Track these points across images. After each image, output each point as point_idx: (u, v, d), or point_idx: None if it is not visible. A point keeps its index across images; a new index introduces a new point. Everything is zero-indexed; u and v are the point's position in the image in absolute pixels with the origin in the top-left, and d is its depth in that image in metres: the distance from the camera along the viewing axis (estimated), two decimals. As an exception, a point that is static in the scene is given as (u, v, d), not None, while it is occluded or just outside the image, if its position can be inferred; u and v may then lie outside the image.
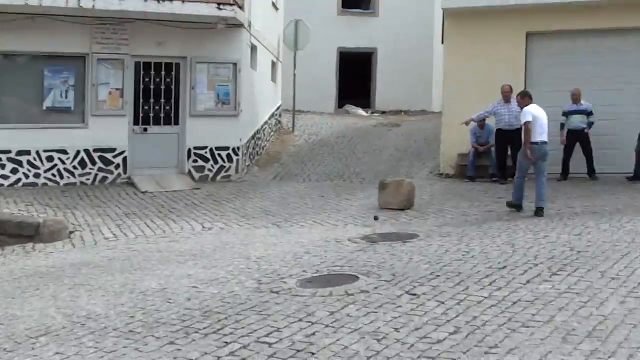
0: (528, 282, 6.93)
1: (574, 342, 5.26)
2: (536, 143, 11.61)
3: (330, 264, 8.19)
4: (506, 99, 15.68)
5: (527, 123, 11.59)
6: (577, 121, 15.81)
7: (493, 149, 16.21)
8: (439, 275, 7.34)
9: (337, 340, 5.50)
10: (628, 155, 15.63)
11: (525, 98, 12.21)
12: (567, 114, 15.89)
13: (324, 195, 14.80)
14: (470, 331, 5.60)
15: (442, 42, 18.19)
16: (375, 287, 6.97)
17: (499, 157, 15.98)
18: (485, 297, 6.47)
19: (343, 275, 7.61)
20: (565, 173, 15.87)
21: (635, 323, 5.62)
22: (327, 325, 5.86)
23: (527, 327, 5.64)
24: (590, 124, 15.84)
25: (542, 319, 5.81)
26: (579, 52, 16.97)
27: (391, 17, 29.18)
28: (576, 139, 15.81)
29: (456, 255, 8.32)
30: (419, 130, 22.57)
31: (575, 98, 15.90)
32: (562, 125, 15.89)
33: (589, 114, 15.87)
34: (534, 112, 11.71)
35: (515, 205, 12.06)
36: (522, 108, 12.05)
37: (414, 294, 6.63)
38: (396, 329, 5.70)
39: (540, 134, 11.68)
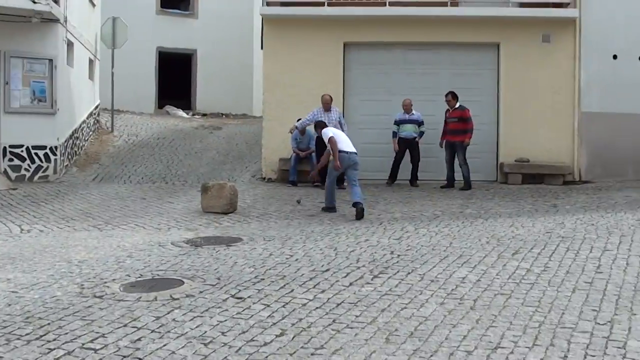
0: (351, 284, 7.11)
1: (397, 342, 5.44)
2: (345, 152, 12.34)
3: (154, 268, 8.09)
4: (326, 108, 15.84)
5: (330, 139, 12.48)
6: (409, 130, 16.46)
7: (314, 154, 16.50)
8: (263, 279, 7.41)
9: (164, 345, 5.44)
10: (442, 163, 16.47)
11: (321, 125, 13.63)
12: (398, 123, 16.47)
13: (145, 198, 14.58)
14: (296, 333, 5.68)
15: (262, 48, 18.34)
16: (201, 292, 6.95)
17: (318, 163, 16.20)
18: (310, 300, 6.59)
19: (167, 279, 7.53)
20: (393, 178, 16.53)
21: (454, 323, 5.88)
22: (153, 331, 5.78)
23: (351, 328, 5.78)
24: (421, 134, 16.54)
25: (366, 320, 5.99)
26: (395, 63, 17.67)
27: (210, 19, 29.11)
28: (407, 147, 16.45)
29: (280, 259, 8.42)
30: (241, 134, 22.65)
31: (407, 108, 16.48)
32: (395, 134, 16.46)
33: (420, 123, 16.53)
34: (333, 131, 12.94)
35: (329, 208, 12.72)
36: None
37: (240, 298, 6.69)
38: (223, 333, 5.70)
39: (347, 145, 12.49)
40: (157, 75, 28.86)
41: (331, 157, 12.62)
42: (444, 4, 17.26)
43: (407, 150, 16.57)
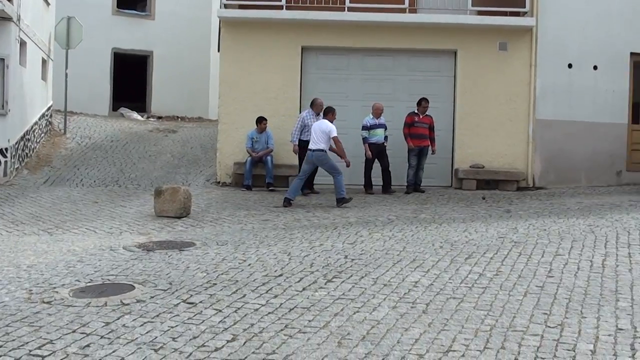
0: (304, 289, 7.09)
1: (349, 346, 5.43)
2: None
3: (105, 273, 7.98)
4: (318, 111, 15.66)
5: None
6: (380, 135, 16.28)
7: (270, 157, 16.43)
8: (215, 284, 7.35)
9: (113, 351, 5.37)
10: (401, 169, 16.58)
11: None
12: (369, 128, 16.28)
13: (97, 201, 14.38)
14: (247, 338, 5.64)
15: (219, 51, 18.24)
16: (152, 297, 6.87)
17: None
18: (263, 305, 6.55)
19: (118, 284, 7.43)
20: (370, 186, 16.27)
21: (406, 327, 5.89)
22: (102, 337, 5.70)
23: (304, 332, 5.76)
24: (386, 138, 16.47)
25: (318, 324, 5.96)
26: (353, 68, 17.70)
27: (167, 21, 28.88)
28: (378, 152, 16.29)
29: (233, 264, 8.36)
30: (196, 137, 22.52)
31: (378, 113, 16.38)
32: (365, 139, 16.23)
33: (385, 128, 16.49)
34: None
35: (287, 200, 13.82)
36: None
37: (192, 303, 6.62)
38: (174, 339, 5.65)
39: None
40: (112, 77, 28.56)
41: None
42: (403, 11, 17.31)
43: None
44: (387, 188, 16.20)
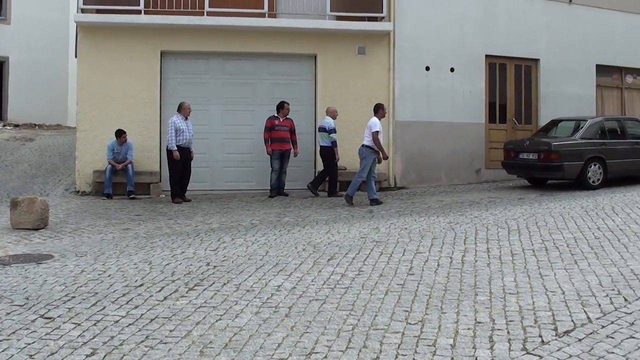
0: (165, 298, 6.97)
1: (212, 355, 5.38)
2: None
3: (-44, 289, 7.65)
4: (186, 114, 15.60)
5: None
6: (335, 138, 16.38)
7: (130, 165, 16.15)
8: (74, 297, 7.13)
9: (-36, 372, 5.16)
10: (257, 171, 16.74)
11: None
12: (332, 130, 16.35)
13: (-53, 214, 13.78)
14: (107, 352, 5.51)
15: (76, 56, 17.78)
16: (8, 313, 6.60)
17: (175, 175, 15.70)
18: (123, 316, 6.40)
19: (-29, 301, 7.14)
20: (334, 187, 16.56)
21: (269, 332, 5.87)
22: (-48, 356, 5.47)
23: (165, 343, 5.66)
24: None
25: (180, 334, 5.87)
26: (213, 73, 17.62)
27: (23, 25, 28.01)
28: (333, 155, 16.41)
29: (92, 275, 8.13)
30: (55, 146, 21.86)
31: (335, 116, 16.42)
32: (336, 143, 16.35)
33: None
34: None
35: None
36: None
37: (49, 318, 6.41)
38: (30, 356, 5.45)
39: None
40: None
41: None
42: (262, 15, 17.32)
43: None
44: (333, 190, 16.55)
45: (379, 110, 15.22)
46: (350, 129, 17.38)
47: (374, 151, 14.83)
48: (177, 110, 15.77)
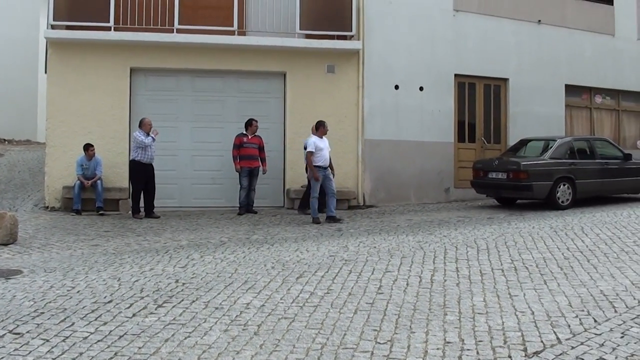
0: (134, 315, 6.95)
1: (180, 373, 5.39)
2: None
3: None
4: (147, 130, 15.68)
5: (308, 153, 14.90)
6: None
7: (100, 182, 16.11)
8: (43, 312, 7.10)
9: None
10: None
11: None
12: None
13: None
14: (76, 368, 5.51)
15: (46, 72, 17.72)
16: (-25, 328, 6.59)
17: (137, 191, 15.83)
18: (92, 333, 6.38)
19: (-64, 317, 7.07)
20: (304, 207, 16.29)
21: (238, 350, 5.86)
22: None
23: (134, 360, 5.68)
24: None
25: (149, 351, 5.86)
26: (182, 90, 17.64)
27: (-9, 40, 27.94)
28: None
29: (61, 291, 8.10)
30: (24, 161, 21.75)
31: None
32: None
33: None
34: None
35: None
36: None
37: (18, 333, 6.38)
38: (-5, 372, 5.45)
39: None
40: None
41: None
42: (232, 33, 17.36)
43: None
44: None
45: (319, 128, 15.30)
46: (319, 146, 17.45)
47: (319, 169, 14.92)
48: (139, 126, 15.83)
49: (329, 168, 15.19)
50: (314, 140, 15.01)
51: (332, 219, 14.74)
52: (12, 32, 28.22)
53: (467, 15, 19.67)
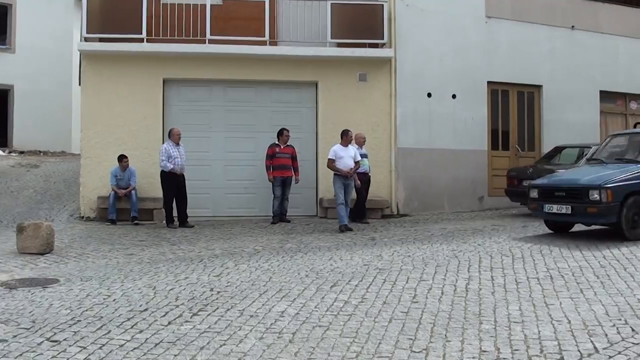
0: (170, 323, 7.00)
1: (215, 380, 5.41)
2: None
3: (-36, 314, 7.68)
4: (176, 141, 15.77)
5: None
6: (366, 165, 16.40)
7: (134, 192, 16.23)
8: (80, 320, 7.17)
9: (-28, 395, 5.19)
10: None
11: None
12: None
13: (-43, 240, 13.80)
14: (112, 376, 5.55)
15: (80, 84, 17.90)
16: (15, 336, 6.65)
17: (168, 200, 15.91)
18: (128, 340, 6.43)
19: (-22, 325, 7.17)
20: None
21: (273, 357, 5.89)
22: (-43, 380, 5.50)
23: (170, 368, 5.71)
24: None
25: (184, 358, 5.89)
26: (215, 100, 17.71)
27: (28, 54, 28.29)
28: (364, 182, 16.31)
29: (97, 299, 8.18)
30: (59, 172, 21.95)
31: (362, 142, 16.46)
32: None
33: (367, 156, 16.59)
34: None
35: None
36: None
37: (55, 341, 6.44)
38: (36, 379, 5.50)
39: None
40: (-31, 111, 27.61)
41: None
42: (263, 43, 17.41)
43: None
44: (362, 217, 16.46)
45: (343, 137, 15.34)
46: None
47: (341, 176, 15.00)
48: (168, 137, 15.91)
49: (350, 177, 15.20)
50: (334, 148, 15.18)
51: (340, 227, 14.78)
52: (47, 45, 28.52)
53: (500, 21, 19.56)
